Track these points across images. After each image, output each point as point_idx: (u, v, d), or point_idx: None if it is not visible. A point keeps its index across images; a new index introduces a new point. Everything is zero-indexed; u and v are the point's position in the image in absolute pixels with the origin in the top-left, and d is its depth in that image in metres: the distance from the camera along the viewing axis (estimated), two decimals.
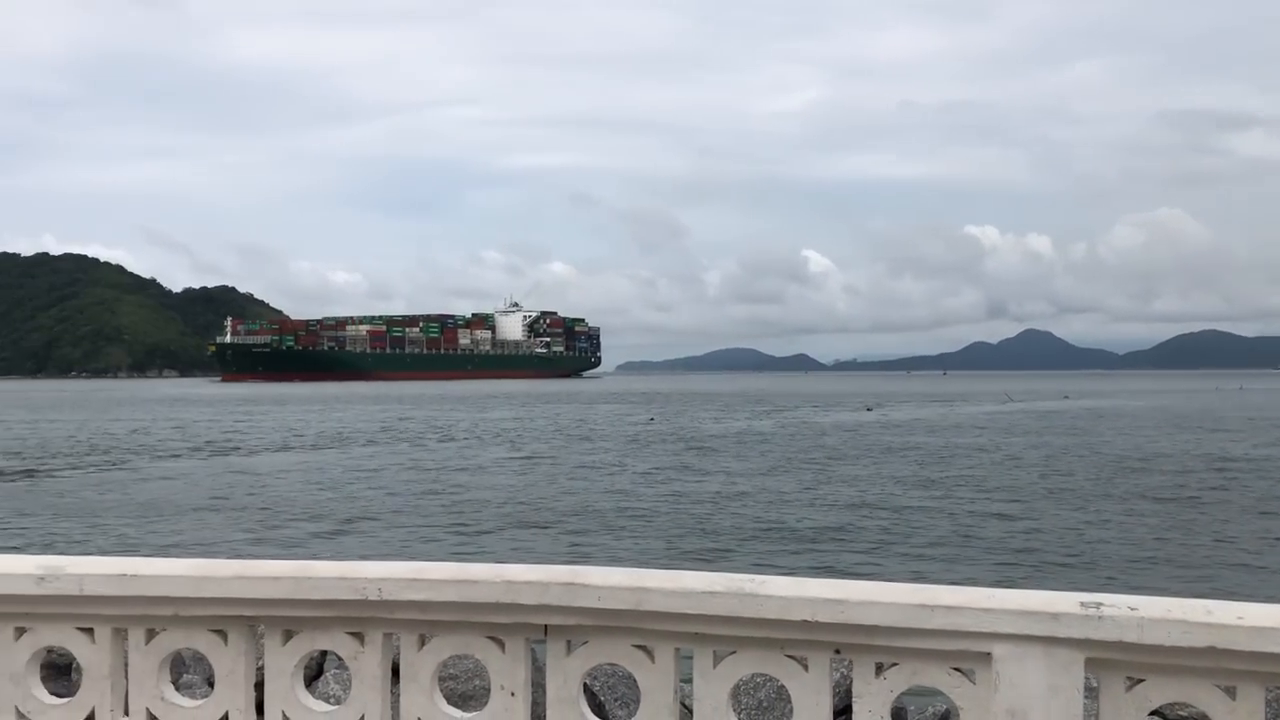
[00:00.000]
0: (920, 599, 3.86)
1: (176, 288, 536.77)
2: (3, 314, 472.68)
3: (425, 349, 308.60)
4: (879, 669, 3.97)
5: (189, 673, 7.15)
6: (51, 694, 4.75)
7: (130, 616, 4.55)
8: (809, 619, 3.92)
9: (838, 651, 4.00)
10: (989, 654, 3.78)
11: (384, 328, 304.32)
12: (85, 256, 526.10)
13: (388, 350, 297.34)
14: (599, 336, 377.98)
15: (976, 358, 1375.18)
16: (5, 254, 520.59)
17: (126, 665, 4.62)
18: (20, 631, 4.64)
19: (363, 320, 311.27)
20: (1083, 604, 3.72)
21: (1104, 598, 3.75)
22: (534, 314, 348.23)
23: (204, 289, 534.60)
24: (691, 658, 4.20)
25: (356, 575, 4.35)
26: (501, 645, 4.32)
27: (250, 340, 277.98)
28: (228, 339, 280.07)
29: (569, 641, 4.28)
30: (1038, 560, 21.62)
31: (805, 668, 4.03)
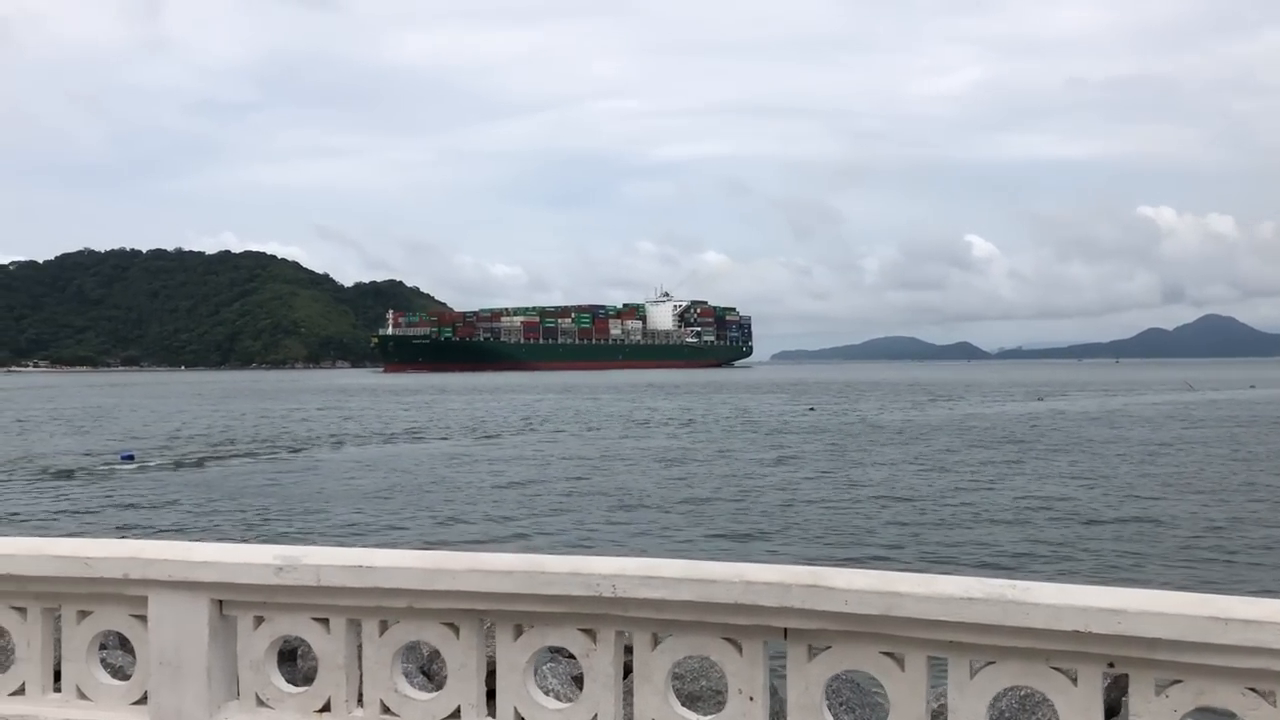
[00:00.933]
0: (1211, 611, 3.52)
1: (348, 282, 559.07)
2: (190, 309, 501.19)
3: (577, 339, 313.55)
4: (1159, 687, 3.65)
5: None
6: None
7: (364, 608, 4.58)
8: (1081, 629, 3.63)
9: (1111, 665, 3.71)
10: None
11: (537, 319, 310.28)
12: (264, 253, 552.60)
13: (541, 340, 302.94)
14: (750, 325, 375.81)
15: (1151, 345, 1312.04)
16: (191, 252, 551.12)
17: (360, 656, 4.67)
18: (259, 620, 4.73)
19: (517, 312, 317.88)
20: None
21: None
22: (684, 303, 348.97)
23: (373, 283, 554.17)
24: (933, 667, 3.98)
25: (590, 571, 4.27)
26: (739, 648, 4.17)
27: (411, 332, 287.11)
28: (389, 331, 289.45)
29: (810, 646, 4.10)
30: None
31: (1074, 682, 3.75)
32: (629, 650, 4.44)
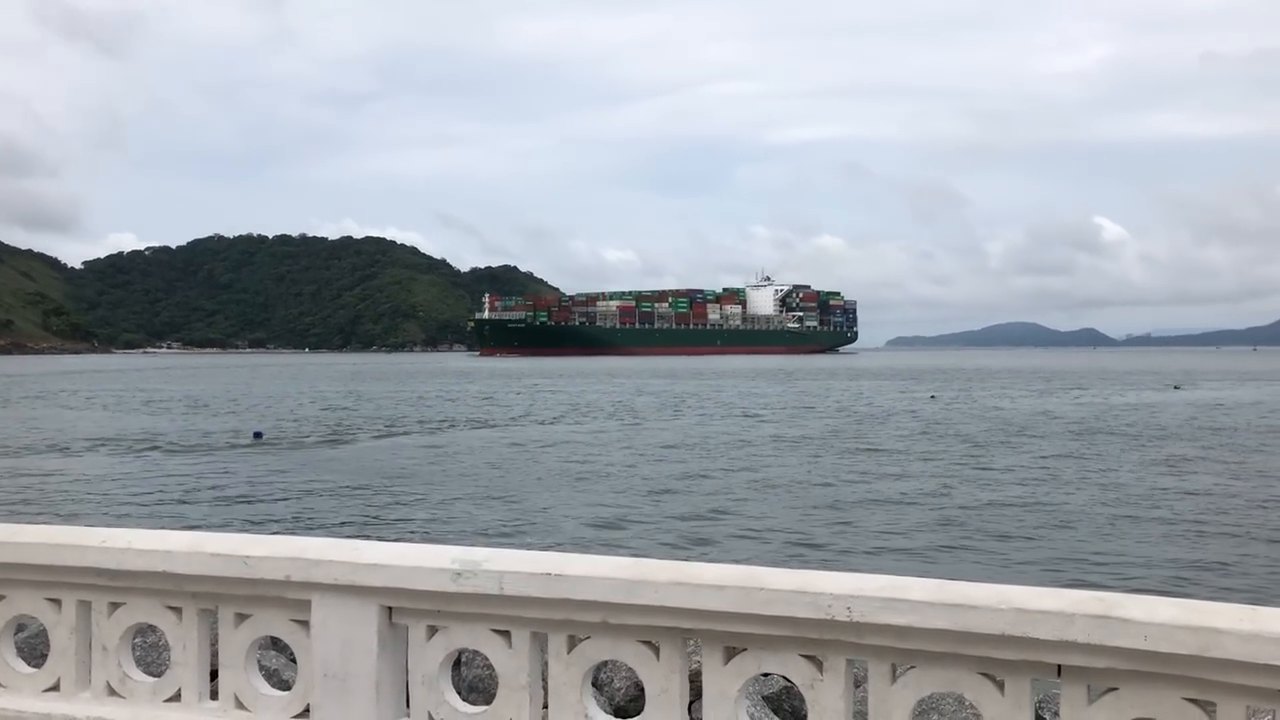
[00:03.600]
0: None
1: (464, 267, 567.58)
2: (313, 293, 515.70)
3: (674, 324, 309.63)
4: None
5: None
6: None
7: (552, 621, 4.05)
8: None
9: None
10: None
11: (633, 303, 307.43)
12: (383, 239, 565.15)
13: (637, 325, 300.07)
14: (855, 310, 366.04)
15: None
16: (315, 238, 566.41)
17: (545, 675, 4.15)
18: (432, 631, 4.24)
19: (614, 296, 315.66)
20: None
21: None
22: (786, 288, 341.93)
23: (489, 268, 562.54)
24: None
25: (818, 590, 3.65)
26: (1000, 685, 3.51)
27: (507, 316, 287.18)
28: (485, 315, 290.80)
29: (1090, 687, 3.41)
30: None
31: None
32: (859, 682, 3.83)
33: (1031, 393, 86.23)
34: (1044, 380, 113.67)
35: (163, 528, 22.07)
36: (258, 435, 45.81)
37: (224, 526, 22.68)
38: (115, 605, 4.64)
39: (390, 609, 4.24)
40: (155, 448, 41.18)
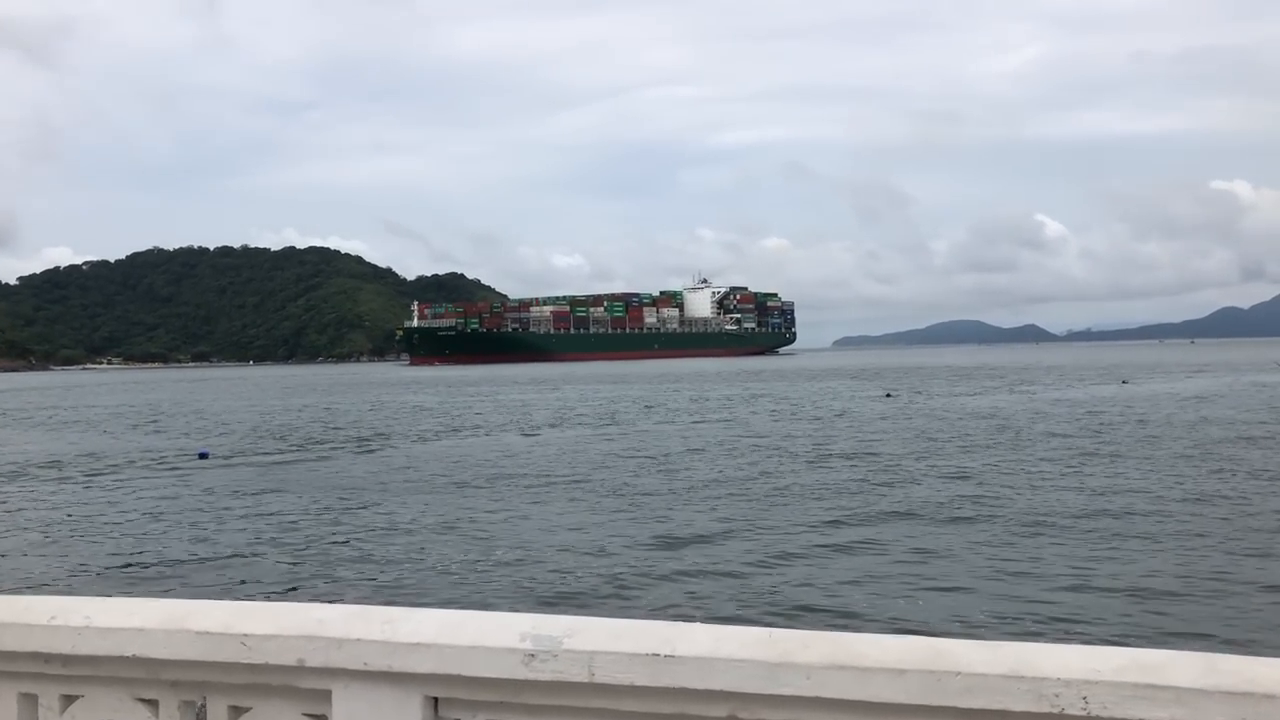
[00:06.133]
0: None
1: (410, 275, 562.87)
2: (257, 305, 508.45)
3: (610, 328, 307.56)
4: None
5: None
6: None
7: (661, 716, 3.06)
8: None
9: None
10: None
11: (567, 308, 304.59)
12: (327, 249, 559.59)
13: (571, 330, 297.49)
14: (794, 311, 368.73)
15: (1226, 324, 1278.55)
16: (257, 249, 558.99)
17: None
18: None
19: (546, 301, 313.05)
20: None
21: None
22: (723, 290, 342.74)
23: (435, 276, 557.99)
24: None
25: (1038, 672, 2.63)
26: None
27: (437, 324, 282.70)
28: (414, 324, 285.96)
29: None
30: None
31: None
32: None
33: (989, 389, 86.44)
34: (997, 378, 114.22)
35: (107, 574, 19.86)
36: (203, 455, 44.09)
37: (176, 571, 21.06)
38: (70, 699, 3.56)
39: (437, 700, 3.18)
40: (96, 473, 39.26)
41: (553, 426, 56.30)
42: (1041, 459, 35.11)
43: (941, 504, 25.98)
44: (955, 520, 23.68)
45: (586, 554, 20.66)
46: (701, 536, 22.42)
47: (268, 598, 16.74)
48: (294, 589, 18.44)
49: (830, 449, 40.39)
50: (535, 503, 28.12)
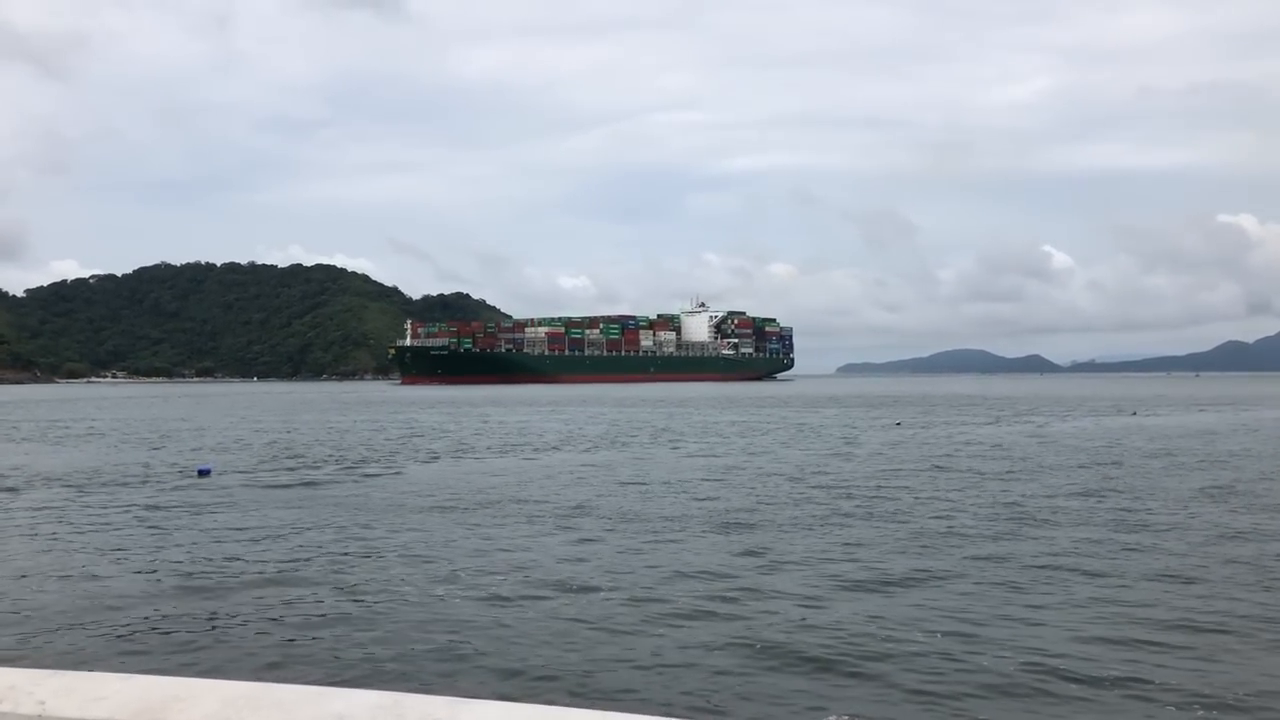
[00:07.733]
0: None
1: (416, 295, 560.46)
2: (262, 321, 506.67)
3: (605, 351, 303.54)
4: None
5: None
6: None
7: None
8: None
9: None
10: None
11: (563, 330, 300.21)
12: (333, 266, 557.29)
13: (566, 352, 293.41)
14: (792, 337, 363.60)
15: (1230, 358, 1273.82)
16: (263, 265, 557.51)
17: None
18: None
19: (542, 322, 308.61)
20: None
21: None
22: (720, 314, 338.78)
23: (441, 296, 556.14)
24: None
25: None
26: None
27: (430, 343, 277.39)
28: (407, 343, 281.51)
29: None
30: None
31: None
32: None
33: (995, 420, 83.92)
34: (1004, 408, 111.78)
35: (79, 617, 16.09)
36: (203, 472, 41.61)
37: (159, 611, 18.48)
38: None
39: None
40: (86, 489, 36.85)
41: (505, 453, 53.76)
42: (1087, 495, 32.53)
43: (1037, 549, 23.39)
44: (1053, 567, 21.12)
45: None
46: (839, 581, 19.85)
47: (268, 668, 14.04)
48: (293, 641, 15.82)
49: (871, 485, 37.82)
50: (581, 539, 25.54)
